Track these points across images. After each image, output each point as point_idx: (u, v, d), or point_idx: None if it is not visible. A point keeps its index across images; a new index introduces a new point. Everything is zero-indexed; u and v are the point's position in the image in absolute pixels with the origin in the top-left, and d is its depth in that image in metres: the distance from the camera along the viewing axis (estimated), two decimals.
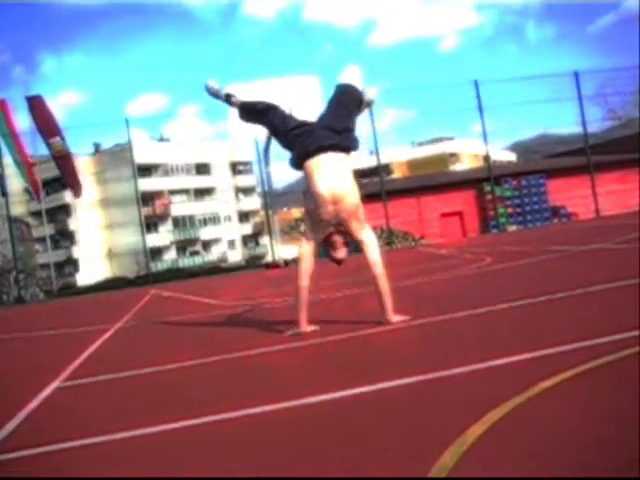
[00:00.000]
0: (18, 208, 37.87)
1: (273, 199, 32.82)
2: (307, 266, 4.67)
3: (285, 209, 56.28)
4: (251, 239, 64.55)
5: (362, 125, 27.63)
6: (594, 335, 3.12)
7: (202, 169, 62.14)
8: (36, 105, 23.31)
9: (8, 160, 25.09)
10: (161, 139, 59.62)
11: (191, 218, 60.64)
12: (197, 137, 58.90)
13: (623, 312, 3.83)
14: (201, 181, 61.90)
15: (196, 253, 59.56)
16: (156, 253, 53.66)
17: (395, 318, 4.57)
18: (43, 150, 24.91)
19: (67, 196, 42.99)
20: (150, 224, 52.05)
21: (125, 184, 36.21)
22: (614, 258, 7.69)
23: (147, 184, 51.79)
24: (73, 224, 55.51)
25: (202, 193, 62.16)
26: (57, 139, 23.19)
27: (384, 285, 4.56)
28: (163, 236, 57.35)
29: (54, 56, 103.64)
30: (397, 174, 50.56)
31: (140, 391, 3.66)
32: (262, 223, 53.57)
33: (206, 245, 60.91)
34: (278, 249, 30.60)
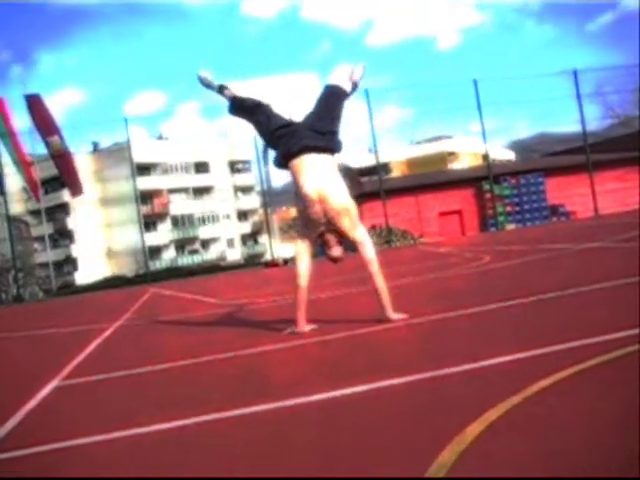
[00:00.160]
0: (17, 207, 37.87)
1: (272, 198, 32.86)
2: (303, 265, 4.69)
3: (284, 208, 56.25)
4: (250, 238, 64.51)
5: (361, 124, 27.64)
6: (592, 334, 3.12)
7: (201, 168, 62.08)
8: (34, 104, 23.30)
9: (7, 159, 25.10)
10: (160, 138, 59.55)
11: (190, 217, 60.59)
12: (196, 135, 58.71)
13: (621, 310, 3.83)
14: (200, 180, 61.83)
15: (195, 252, 59.53)
16: (155, 252, 53.64)
17: (394, 316, 4.58)
18: (42, 149, 24.91)
19: (66, 195, 42.91)
20: (149, 223, 52.00)
21: (124, 183, 36.20)
22: (613, 257, 7.70)
23: (146, 183, 51.75)
24: (72, 223, 55.45)
25: (201, 192, 62.11)
26: (55, 138, 23.19)
27: (380, 283, 4.57)
28: (162, 235, 57.31)
29: (52, 54, 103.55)
30: (396, 173, 50.55)
31: (139, 390, 3.66)
32: (261, 222, 53.56)
33: (205, 244, 60.87)
34: (277, 248, 30.61)
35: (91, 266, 51.04)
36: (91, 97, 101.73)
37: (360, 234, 4.62)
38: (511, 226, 28.94)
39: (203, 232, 60.74)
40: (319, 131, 4.74)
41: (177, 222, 59.90)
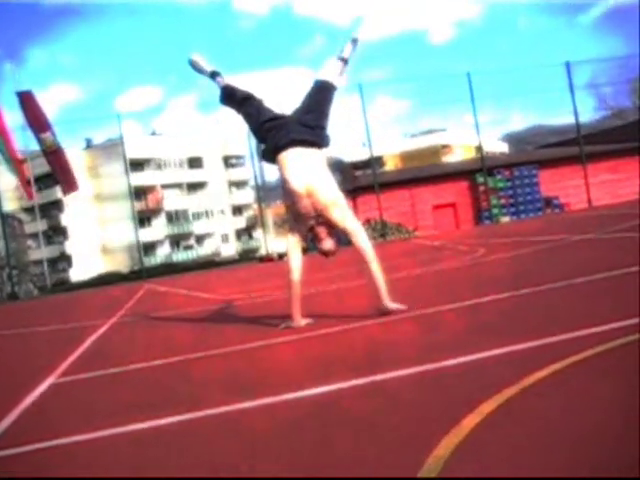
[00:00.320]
0: (10, 204, 37.74)
1: (266, 192, 32.84)
2: (296, 260, 4.68)
3: (278, 202, 56.07)
4: (244, 233, 64.45)
5: (355, 118, 27.61)
6: (588, 325, 3.13)
7: (194, 163, 61.96)
8: (26, 100, 23.15)
9: None
10: (153, 133, 59.40)
11: (184, 212, 60.50)
12: (189, 131, 58.52)
13: (617, 301, 3.85)
14: (194, 175, 61.72)
15: (190, 247, 59.47)
16: (149, 248, 53.55)
17: (392, 305, 4.54)
18: (35, 146, 24.79)
19: (59, 192, 42.88)
20: (143, 219, 51.94)
21: (117, 179, 36.13)
22: (608, 248, 7.72)
23: (139, 179, 51.64)
24: (66, 219, 55.31)
25: (195, 187, 62.00)
26: (48, 134, 23.05)
27: (377, 271, 4.54)
28: (156, 231, 57.22)
29: (43, 50, 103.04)
30: (390, 166, 50.51)
31: (135, 386, 3.66)
32: (255, 217, 53.52)
33: (199, 239, 60.80)
34: (272, 242, 30.59)
35: (85, 263, 50.97)
36: (83, 93, 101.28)
37: (352, 224, 4.60)
38: (505, 218, 28.97)
39: (197, 227, 60.66)
40: (308, 125, 4.73)
41: (171, 218, 59.81)
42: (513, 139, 54.72)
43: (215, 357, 4.16)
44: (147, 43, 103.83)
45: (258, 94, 5.06)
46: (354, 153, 37.39)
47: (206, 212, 61.81)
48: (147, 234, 51.66)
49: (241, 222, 64.34)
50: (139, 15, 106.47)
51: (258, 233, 55.24)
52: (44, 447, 2.50)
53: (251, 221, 62.34)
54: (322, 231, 4.64)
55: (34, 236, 50.80)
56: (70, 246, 55.09)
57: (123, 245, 47.56)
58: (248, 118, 4.98)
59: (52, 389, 3.82)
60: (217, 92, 5.18)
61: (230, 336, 4.96)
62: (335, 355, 3.67)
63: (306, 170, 4.55)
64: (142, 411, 2.87)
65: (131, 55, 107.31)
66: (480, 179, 29.54)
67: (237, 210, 64.73)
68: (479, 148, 31.14)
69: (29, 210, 48.68)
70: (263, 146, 4.95)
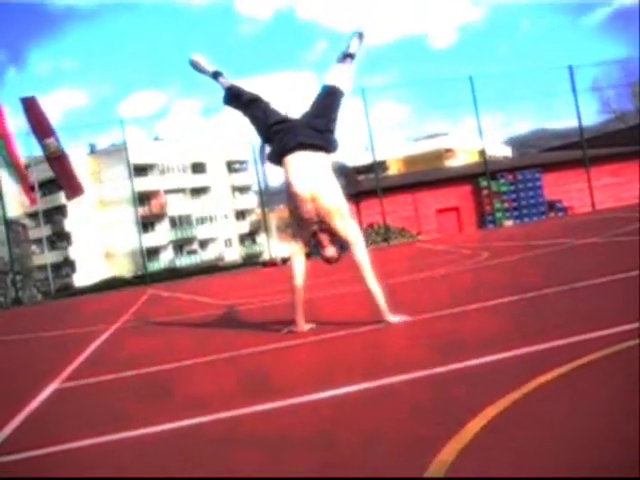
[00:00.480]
0: (15, 209, 37.82)
1: (269, 197, 32.84)
2: (299, 265, 4.65)
3: (281, 206, 56.10)
4: (248, 237, 64.50)
5: (358, 122, 27.62)
6: (591, 329, 3.13)
7: (198, 168, 62.06)
8: (30, 106, 23.22)
9: (1, 162, 25.00)
10: (156, 139, 59.52)
11: (187, 217, 60.57)
12: (193, 136, 58.65)
13: (621, 304, 3.84)
14: (197, 180, 61.82)
15: (193, 252, 59.52)
16: (153, 253, 53.62)
17: (393, 318, 4.44)
18: (39, 151, 24.84)
19: (63, 197, 42.98)
20: (147, 224, 51.98)
21: (121, 184, 36.17)
22: (611, 251, 7.71)
23: (143, 184, 51.72)
24: (69, 225, 55.41)
25: (198, 192, 62.08)
26: (52, 140, 23.11)
27: (373, 285, 4.46)
28: (160, 236, 57.29)
29: (47, 55, 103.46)
30: (393, 170, 50.53)
31: (139, 392, 3.66)
32: (259, 221, 53.57)
33: (203, 244, 60.85)
34: (275, 247, 30.58)
35: (89, 268, 51.02)
36: (87, 98, 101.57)
37: (353, 234, 4.53)
38: (509, 222, 28.93)
39: (201, 232, 60.72)
40: (316, 129, 4.67)
41: (175, 223, 59.88)
42: (516, 143, 54.68)
43: (218, 362, 4.16)
44: (150, 48, 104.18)
45: (265, 96, 5.00)
46: (357, 158, 37.41)
47: (209, 217, 61.88)
48: (150, 239, 51.73)
49: (244, 227, 64.40)
50: (142, 20, 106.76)
51: (261, 238, 55.21)
52: (48, 452, 2.50)
53: (254, 226, 62.39)
54: (325, 238, 4.60)
55: (38, 241, 50.92)
56: (74, 251, 55.19)
57: (126, 250, 47.64)
58: (255, 120, 4.91)
59: (56, 394, 3.82)
60: (221, 93, 5.10)
61: (233, 341, 4.96)
62: (338, 359, 3.67)
63: (312, 174, 4.49)
64: (145, 416, 2.88)
65: (134, 60, 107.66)
66: (483, 183, 29.53)
67: (240, 215, 64.80)
68: (482, 152, 31.12)
69: (33, 216, 48.78)
70: (268, 148, 4.90)
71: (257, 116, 4.88)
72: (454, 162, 50.14)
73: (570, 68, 29.52)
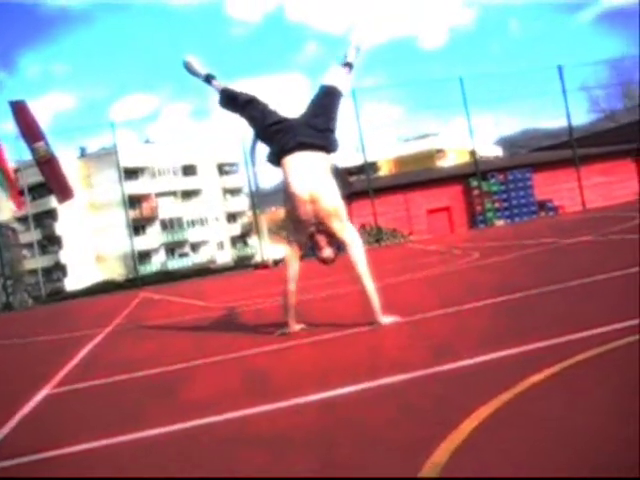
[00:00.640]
0: (4, 214, 37.66)
1: (261, 199, 32.83)
2: (292, 268, 4.64)
3: (273, 209, 56.16)
4: (239, 240, 64.46)
5: (348, 123, 27.64)
6: (584, 327, 3.14)
7: (188, 171, 62.01)
8: (19, 110, 23.10)
9: None
10: (147, 141, 59.42)
11: (179, 220, 60.52)
12: (183, 138, 58.51)
13: (612, 304, 3.86)
14: (188, 183, 61.77)
15: (185, 255, 59.44)
16: (145, 256, 53.53)
17: (385, 319, 4.43)
18: (28, 155, 24.71)
19: (53, 201, 42.85)
20: (138, 227, 51.90)
21: (111, 187, 36.10)
22: (603, 250, 7.74)
23: (134, 187, 51.64)
24: (60, 229, 55.23)
25: (189, 195, 62.03)
26: (41, 144, 22.99)
27: (369, 286, 4.44)
28: (151, 239, 57.19)
29: (36, 58, 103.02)
30: (384, 171, 50.61)
31: (131, 396, 3.65)
32: (250, 223, 53.56)
33: (194, 247, 60.79)
34: (267, 249, 30.56)
35: (80, 272, 50.88)
36: (77, 101, 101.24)
37: (350, 235, 4.51)
38: (500, 222, 29.01)
39: (192, 235, 60.66)
40: (316, 128, 4.62)
41: (166, 225, 59.81)
42: (507, 143, 54.89)
43: (211, 365, 4.15)
44: (141, 51, 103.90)
45: (261, 96, 4.93)
46: (348, 159, 37.45)
47: (201, 219, 61.84)
48: (142, 242, 51.62)
49: (236, 229, 64.38)
50: (133, 23, 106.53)
51: (253, 240, 55.20)
52: (40, 458, 2.49)
53: (246, 228, 62.39)
54: (322, 239, 4.56)
55: (29, 246, 50.70)
56: (65, 255, 55.02)
57: (118, 254, 47.55)
58: (252, 121, 4.85)
59: (48, 399, 3.80)
60: (215, 96, 5.05)
61: (227, 343, 4.95)
62: (331, 361, 3.66)
63: (311, 175, 4.44)
64: (138, 421, 2.86)
65: (125, 63, 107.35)
66: (474, 183, 29.60)
67: (232, 217, 64.77)
68: (473, 152, 31.20)
69: (23, 220, 48.59)
70: (265, 149, 4.84)
71: (255, 117, 4.82)
72: (445, 162, 50.28)
73: (559, 68, 29.65)
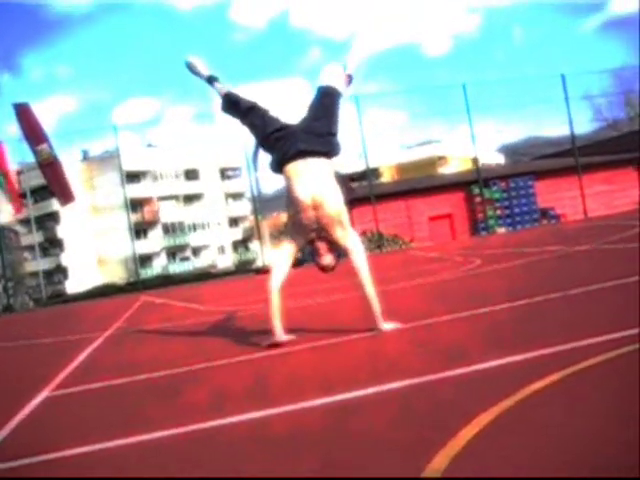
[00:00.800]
0: (6, 216, 37.70)
1: (262, 204, 32.88)
2: (280, 268, 4.49)
3: (275, 214, 56.21)
4: (241, 244, 64.47)
5: (351, 129, 27.66)
6: (585, 336, 3.13)
7: (191, 175, 62.07)
8: (23, 112, 23.14)
9: None
10: (149, 145, 59.50)
11: (180, 224, 60.53)
12: (186, 142, 58.48)
13: (615, 312, 3.85)
14: (190, 187, 61.82)
15: (186, 259, 59.44)
16: (146, 260, 53.53)
17: (386, 326, 4.40)
18: (30, 158, 24.73)
19: (55, 203, 42.92)
20: (139, 230, 51.90)
21: (114, 190, 36.16)
22: (605, 259, 7.73)
23: (136, 190, 51.71)
24: (62, 231, 55.27)
25: (191, 199, 62.08)
26: (44, 146, 23.02)
27: (371, 292, 4.40)
28: (153, 242, 57.21)
29: (40, 61, 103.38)
30: (386, 178, 50.65)
31: (131, 399, 3.65)
32: (252, 228, 53.59)
33: (196, 251, 60.78)
34: (268, 254, 30.57)
35: (81, 275, 50.88)
36: (80, 104, 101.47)
37: (352, 242, 4.45)
38: (501, 229, 29.01)
39: (194, 239, 60.67)
40: (317, 133, 4.56)
41: (168, 229, 59.82)
42: (509, 150, 54.89)
43: (210, 369, 4.15)
44: (144, 55, 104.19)
45: (263, 103, 4.86)
46: (351, 165, 37.49)
47: (202, 224, 61.84)
48: (143, 246, 51.66)
49: (237, 234, 64.38)
50: (136, 27, 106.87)
51: (254, 245, 55.24)
52: (39, 461, 2.48)
53: (247, 233, 62.41)
54: (322, 246, 4.50)
55: (30, 248, 50.76)
56: (66, 258, 55.04)
57: (119, 257, 47.54)
58: (253, 129, 4.78)
59: (47, 402, 3.80)
60: (217, 99, 4.98)
61: (225, 348, 4.94)
62: (332, 367, 3.66)
63: (314, 181, 4.38)
64: (137, 424, 2.86)
65: (128, 67, 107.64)
66: (476, 190, 29.61)
67: (233, 222, 64.79)
68: (475, 159, 31.22)
69: (25, 222, 48.63)
70: (266, 156, 4.78)
71: (256, 124, 4.75)
72: (447, 169, 50.30)
73: (563, 76, 29.69)
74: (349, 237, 4.46)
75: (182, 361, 4.50)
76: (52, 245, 55.80)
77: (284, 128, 4.65)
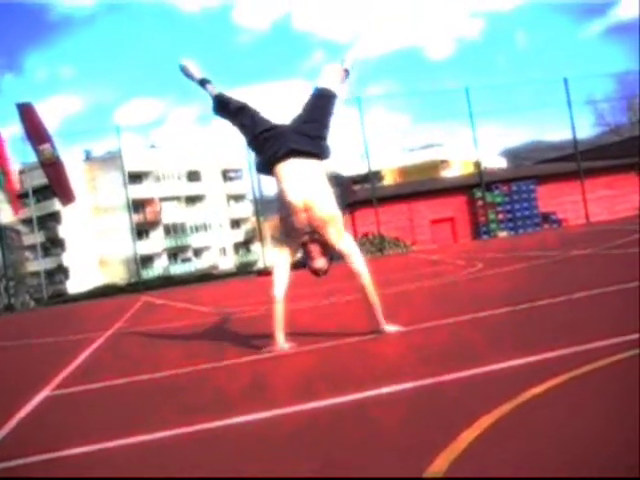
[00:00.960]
0: (8, 215, 37.73)
1: (264, 206, 32.81)
2: (282, 276, 4.41)
3: (276, 216, 56.15)
4: (242, 246, 64.47)
5: (353, 132, 27.66)
6: (586, 340, 3.13)
7: (193, 176, 62.10)
8: (26, 112, 23.17)
9: None
10: (152, 146, 59.54)
11: (182, 225, 60.55)
12: (188, 144, 58.51)
13: (616, 317, 3.85)
14: (192, 188, 61.84)
15: (187, 260, 59.45)
16: (147, 260, 53.53)
17: (388, 328, 4.38)
18: (32, 158, 24.75)
19: (57, 203, 42.97)
20: (141, 231, 51.94)
21: (116, 191, 36.16)
22: (606, 263, 7.73)
23: (138, 191, 51.73)
24: (63, 231, 55.31)
25: (193, 200, 62.10)
26: (47, 146, 23.03)
27: (372, 295, 4.35)
28: (154, 243, 57.22)
29: (43, 61, 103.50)
30: (388, 180, 50.63)
31: (131, 399, 3.64)
32: (253, 230, 53.53)
33: (197, 252, 60.78)
34: (270, 256, 30.56)
35: (83, 275, 50.88)
36: (83, 105, 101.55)
37: (347, 244, 4.37)
38: (503, 233, 28.99)
39: (195, 240, 60.67)
40: (307, 135, 4.48)
41: (169, 230, 59.84)
42: (511, 154, 54.85)
43: (211, 370, 4.15)
44: (147, 56, 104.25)
45: (253, 104, 4.79)
46: (353, 167, 37.49)
47: (204, 225, 61.86)
48: (145, 247, 51.67)
49: (239, 235, 64.38)
50: (140, 27, 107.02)
51: (256, 246, 55.22)
52: (39, 460, 2.48)
53: (249, 234, 62.39)
54: (315, 249, 4.39)
55: (32, 248, 50.80)
56: (67, 258, 55.05)
57: (121, 257, 47.51)
58: (243, 129, 4.71)
59: (47, 401, 3.80)
60: (210, 101, 4.93)
61: (225, 350, 4.94)
62: (329, 369, 3.65)
63: (305, 182, 4.30)
64: (136, 424, 2.86)
65: (131, 68, 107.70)
66: (478, 194, 29.60)
67: (235, 223, 64.80)
68: (477, 163, 31.21)
69: (27, 222, 48.69)
70: (257, 158, 4.71)
71: (245, 124, 4.68)
72: (449, 173, 50.31)
73: (565, 81, 29.69)
74: (343, 240, 4.37)
75: (182, 362, 4.49)
76: (54, 245, 55.83)
77: (274, 128, 4.57)
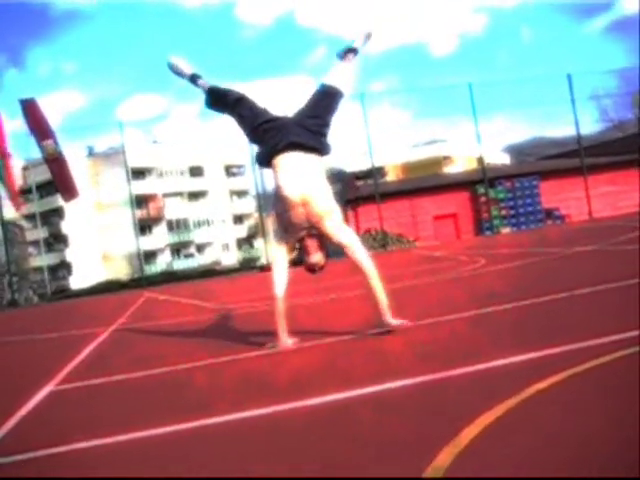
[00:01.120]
0: (11, 211, 37.79)
1: (267, 201, 32.80)
2: (281, 273, 4.36)
3: None
4: (245, 242, 64.49)
5: (357, 128, 27.64)
6: (589, 337, 3.13)
7: (196, 172, 62.11)
8: (29, 108, 23.19)
9: None
10: (155, 142, 59.53)
11: (185, 221, 60.59)
12: (191, 139, 58.45)
13: (618, 313, 3.85)
14: (195, 184, 61.86)
15: (190, 256, 59.50)
16: (150, 256, 53.58)
17: (394, 321, 4.28)
18: (36, 153, 24.77)
19: (60, 199, 43.02)
20: (144, 227, 52.00)
21: (119, 187, 36.16)
22: (609, 260, 7.72)
23: (141, 187, 51.73)
24: (66, 227, 55.38)
25: (196, 196, 62.12)
26: (50, 142, 23.06)
27: (377, 286, 4.25)
28: (157, 239, 57.28)
29: (47, 56, 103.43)
30: (391, 176, 50.57)
31: (132, 395, 3.65)
32: (256, 226, 53.54)
33: (200, 248, 60.83)
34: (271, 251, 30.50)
35: (86, 270, 50.97)
36: (86, 100, 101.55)
37: (347, 237, 4.29)
38: (506, 229, 28.97)
39: (198, 236, 60.71)
40: (309, 129, 4.40)
41: (172, 226, 59.88)
42: (514, 150, 54.78)
43: (213, 366, 4.15)
44: (150, 51, 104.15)
45: (250, 95, 4.67)
46: (356, 163, 37.45)
47: (207, 221, 61.90)
48: (148, 242, 51.70)
49: (242, 231, 64.41)
50: (142, 23, 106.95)
51: (259, 242, 55.24)
52: (42, 455, 2.49)
53: (252, 230, 62.39)
54: (312, 244, 4.31)
55: (35, 243, 50.92)
56: (70, 253, 55.13)
57: (124, 253, 47.59)
58: (241, 120, 4.60)
59: (51, 396, 3.81)
60: (202, 96, 4.80)
61: (229, 346, 4.95)
62: (332, 365, 3.66)
63: (303, 177, 4.22)
64: (140, 420, 2.87)
65: (134, 63, 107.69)
66: (481, 190, 29.57)
67: (238, 219, 64.82)
68: (480, 159, 31.17)
69: (30, 217, 48.77)
70: (257, 149, 4.63)
71: (244, 115, 4.56)
72: (452, 169, 50.21)
73: (569, 76, 29.61)
74: (343, 233, 4.29)
75: (185, 357, 4.50)
76: (57, 240, 55.91)
77: (274, 120, 4.48)
